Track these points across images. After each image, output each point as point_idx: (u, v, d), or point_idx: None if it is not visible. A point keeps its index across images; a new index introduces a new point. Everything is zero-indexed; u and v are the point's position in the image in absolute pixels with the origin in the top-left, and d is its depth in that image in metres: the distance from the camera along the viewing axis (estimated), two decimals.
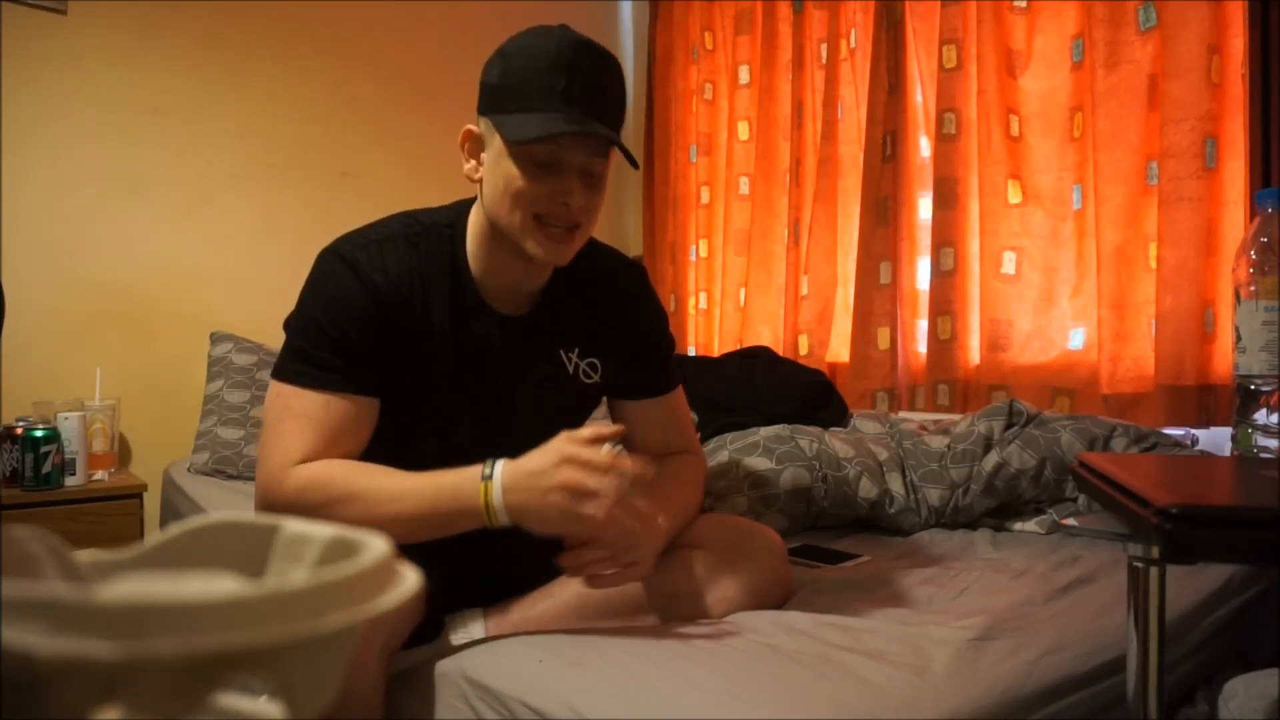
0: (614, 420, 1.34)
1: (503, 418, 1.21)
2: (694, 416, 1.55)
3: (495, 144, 1.11)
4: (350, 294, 1.11)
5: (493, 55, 1.13)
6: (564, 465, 1.01)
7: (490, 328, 1.19)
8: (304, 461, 1.07)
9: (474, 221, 1.19)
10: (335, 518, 0.99)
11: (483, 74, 1.14)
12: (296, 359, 1.12)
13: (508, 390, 1.21)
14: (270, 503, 1.07)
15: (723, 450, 1.75)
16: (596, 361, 1.27)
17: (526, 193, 1.09)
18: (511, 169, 1.09)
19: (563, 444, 1.02)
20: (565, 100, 1.06)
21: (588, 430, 1.05)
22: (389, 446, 1.14)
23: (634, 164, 1.12)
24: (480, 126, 1.15)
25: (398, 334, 1.13)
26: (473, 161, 1.16)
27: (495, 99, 1.11)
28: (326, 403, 1.09)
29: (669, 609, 1.17)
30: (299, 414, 1.09)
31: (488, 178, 1.13)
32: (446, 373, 1.17)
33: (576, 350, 1.26)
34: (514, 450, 1.22)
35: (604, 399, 1.35)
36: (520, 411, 1.22)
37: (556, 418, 1.29)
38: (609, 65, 1.12)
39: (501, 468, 1.04)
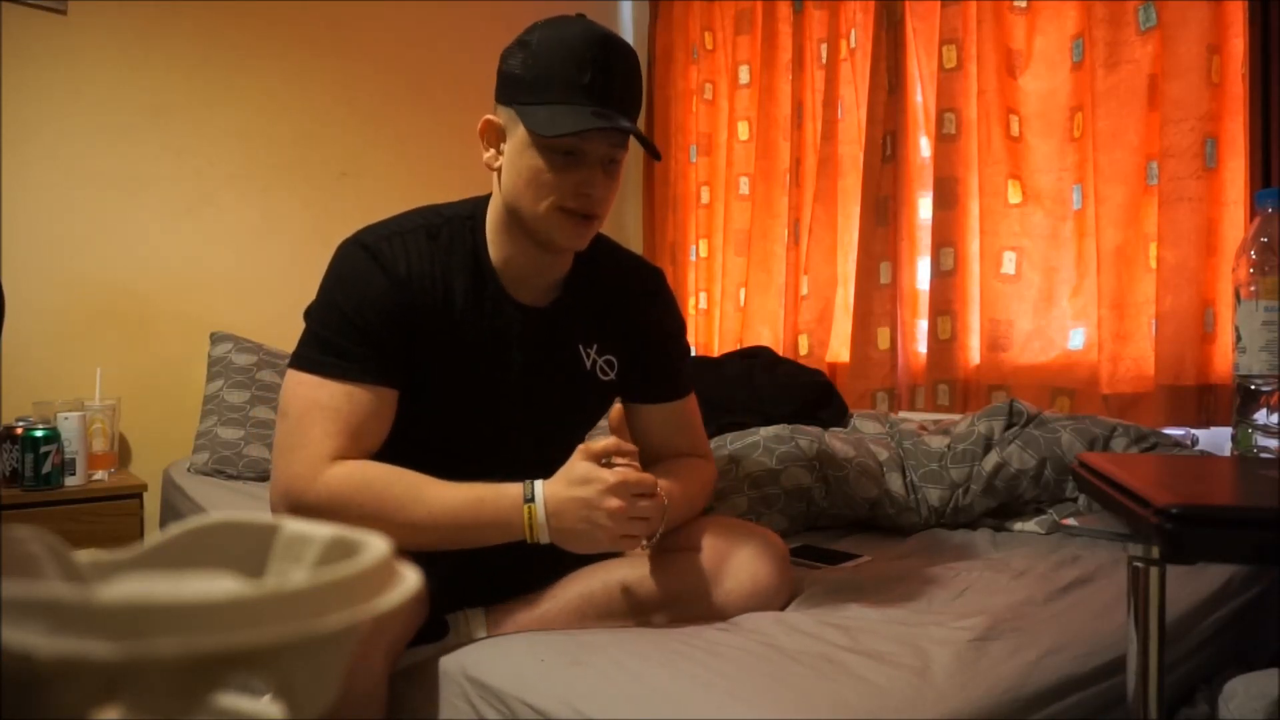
0: (629, 422, 1.34)
1: (519, 409, 1.22)
2: None
3: (519, 134, 1.12)
4: (374, 284, 1.12)
5: (512, 45, 1.14)
6: (611, 494, 1.05)
7: (511, 318, 1.19)
8: (333, 457, 1.07)
9: (493, 211, 1.20)
10: (368, 525, 0.99)
11: (502, 63, 1.15)
12: (320, 348, 1.11)
13: (525, 381, 1.21)
14: (298, 502, 1.06)
15: (723, 450, 1.75)
16: (614, 359, 1.28)
17: (551, 184, 1.11)
18: (536, 160, 1.10)
19: (602, 471, 1.06)
20: (589, 94, 1.08)
21: (605, 443, 1.09)
22: (405, 436, 1.14)
23: (656, 155, 1.15)
24: (501, 116, 1.15)
25: (419, 325, 1.13)
26: (492, 150, 1.17)
27: (519, 90, 1.11)
28: (350, 394, 1.09)
29: (670, 610, 1.17)
30: (325, 405, 1.08)
31: (508, 167, 1.14)
32: (466, 363, 1.17)
33: (595, 347, 1.26)
34: (528, 442, 1.22)
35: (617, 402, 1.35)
36: (536, 403, 1.23)
37: (571, 412, 1.30)
38: (629, 58, 1.13)
39: (543, 492, 1.07)
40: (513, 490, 1.07)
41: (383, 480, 1.07)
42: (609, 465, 1.09)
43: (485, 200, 1.22)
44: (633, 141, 1.15)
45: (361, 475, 1.07)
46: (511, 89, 1.13)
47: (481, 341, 1.18)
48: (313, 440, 1.07)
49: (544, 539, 1.07)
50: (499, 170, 1.16)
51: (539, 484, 1.08)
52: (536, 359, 1.22)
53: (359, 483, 1.06)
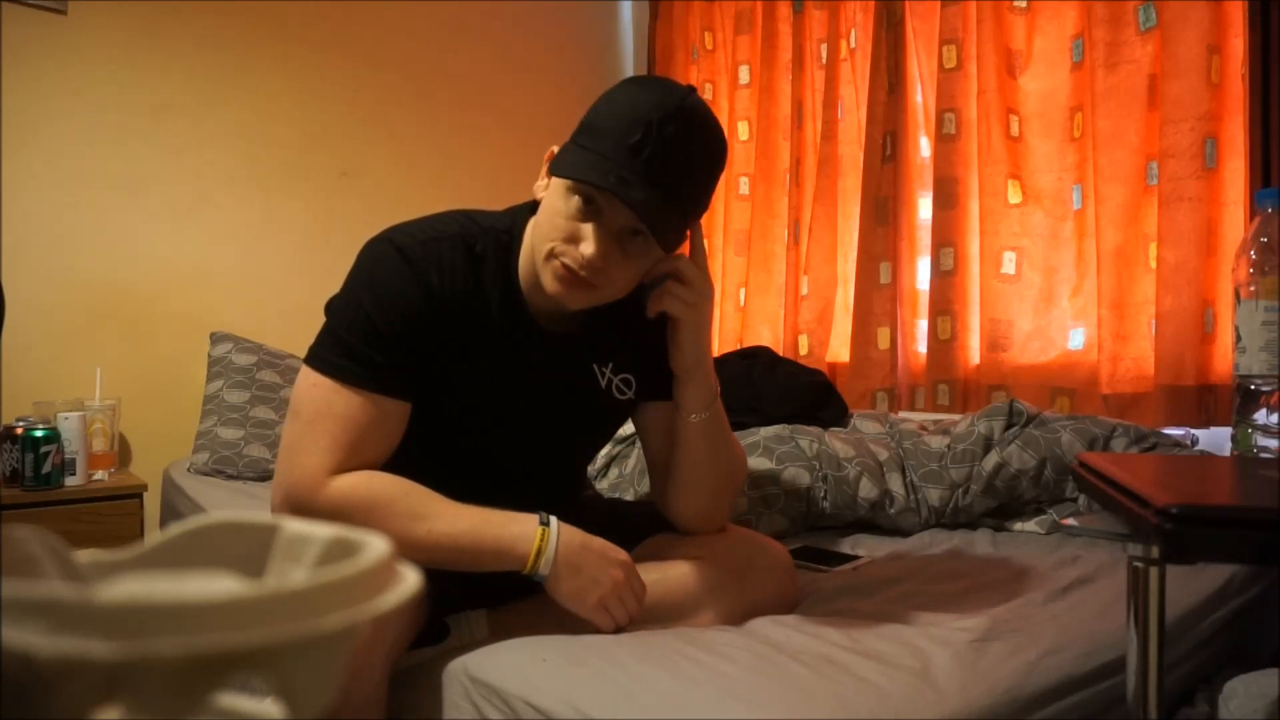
0: (638, 423, 1.30)
1: (529, 428, 1.20)
2: None
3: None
4: (402, 288, 1.08)
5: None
6: (620, 566, 1.09)
7: (532, 341, 1.16)
8: (338, 468, 1.05)
9: (528, 234, 1.15)
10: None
11: None
12: (340, 352, 1.08)
13: (538, 403, 1.19)
14: (299, 507, 1.05)
15: None
16: (631, 378, 1.25)
17: (559, 228, 1.06)
18: (560, 200, 1.06)
19: (625, 556, 1.11)
20: (631, 154, 1.01)
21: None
22: (415, 445, 1.12)
23: (664, 246, 1.07)
24: None
25: (445, 335, 1.10)
26: (545, 180, 1.13)
27: (580, 130, 1.08)
28: (365, 404, 1.07)
29: (673, 619, 1.16)
30: (338, 413, 1.06)
31: (544, 202, 1.11)
32: (482, 381, 1.15)
33: (611, 365, 1.23)
34: (535, 458, 1.21)
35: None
36: (547, 424, 1.21)
37: (583, 432, 1.28)
38: (697, 139, 1.05)
39: (558, 525, 1.08)
40: (523, 517, 1.08)
41: (388, 495, 1.06)
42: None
43: (523, 216, 1.18)
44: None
45: (368, 488, 1.05)
46: (578, 127, 1.09)
47: (502, 363, 1.15)
48: (321, 448, 1.05)
49: (545, 570, 1.06)
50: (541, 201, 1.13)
51: (554, 518, 1.09)
52: (551, 380, 1.19)
53: (364, 497, 1.05)
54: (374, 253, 1.12)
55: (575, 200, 1.05)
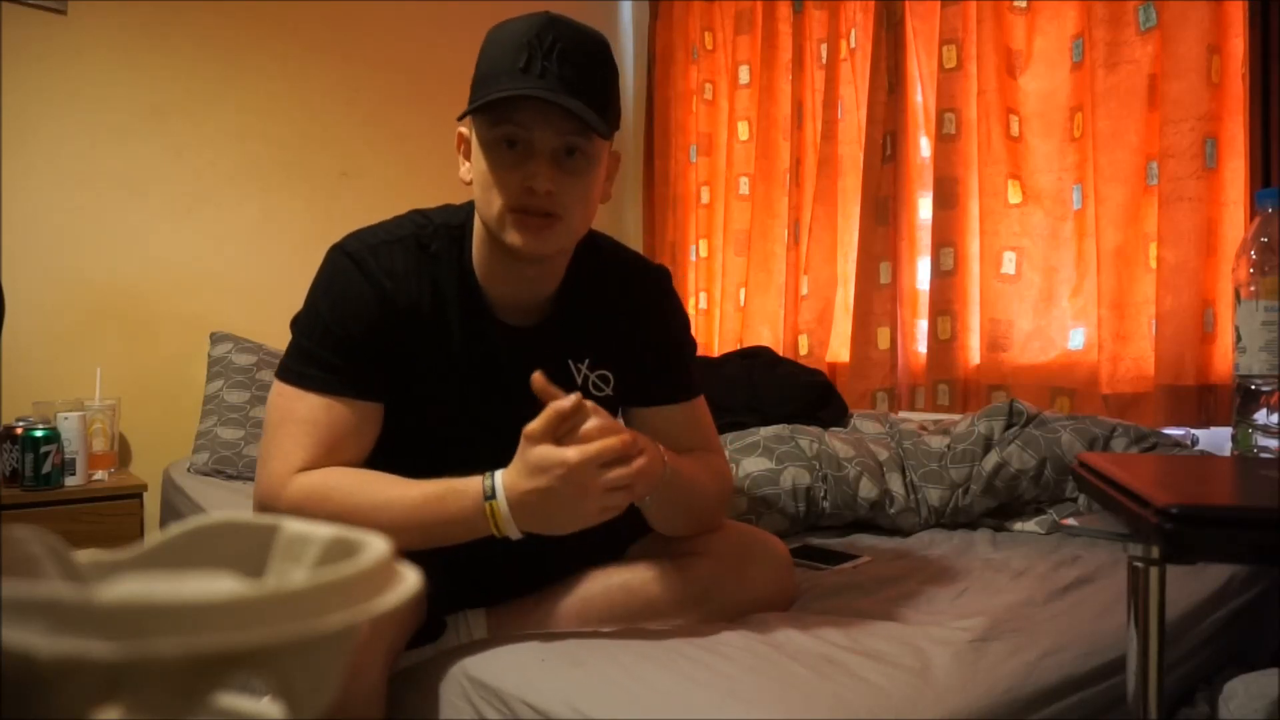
0: (630, 427, 1.30)
1: (505, 430, 1.15)
2: None
3: (474, 139, 1.09)
4: (357, 295, 1.09)
5: None
6: (572, 478, 0.95)
7: (496, 338, 1.15)
8: (304, 469, 1.05)
9: (476, 226, 1.15)
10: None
11: None
12: (301, 360, 1.09)
13: (511, 402, 1.15)
14: (268, 509, 1.05)
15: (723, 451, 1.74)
16: (609, 374, 1.22)
17: (500, 183, 1.05)
18: (486, 160, 1.06)
19: (560, 453, 0.96)
20: (525, 73, 1.01)
21: (545, 422, 0.98)
22: (392, 450, 1.12)
23: (601, 133, 1.04)
24: (466, 126, 1.12)
25: (404, 339, 1.10)
26: (466, 164, 1.13)
27: (471, 92, 1.08)
28: (329, 406, 1.07)
29: (672, 616, 1.16)
30: (301, 418, 1.07)
31: (474, 176, 1.10)
32: (451, 381, 1.14)
33: (587, 362, 1.21)
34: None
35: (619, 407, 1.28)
36: (522, 419, 1.20)
37: None
38: (582, 39, 1.06)
39: (502, 486, 0.99)
40: (473, 487, 1.01)
41: (345, 488, 1.04)
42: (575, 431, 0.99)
43: (474, 208, 1.16)
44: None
45: (324, 484, 1.04)
46: (470, 93, 1.08)
47: (466, 362, 1.14)
48: (283, 452, 1.06)
49: (514, 534, 1.00)
50: (472, 184, 1.12)
51: (499, 476, 1.00)
52: (522, 379, 1.14)
53: (321, 494, 1.04)
54: (328, 262, 1.13)
55: (500, 149, 1.05)
